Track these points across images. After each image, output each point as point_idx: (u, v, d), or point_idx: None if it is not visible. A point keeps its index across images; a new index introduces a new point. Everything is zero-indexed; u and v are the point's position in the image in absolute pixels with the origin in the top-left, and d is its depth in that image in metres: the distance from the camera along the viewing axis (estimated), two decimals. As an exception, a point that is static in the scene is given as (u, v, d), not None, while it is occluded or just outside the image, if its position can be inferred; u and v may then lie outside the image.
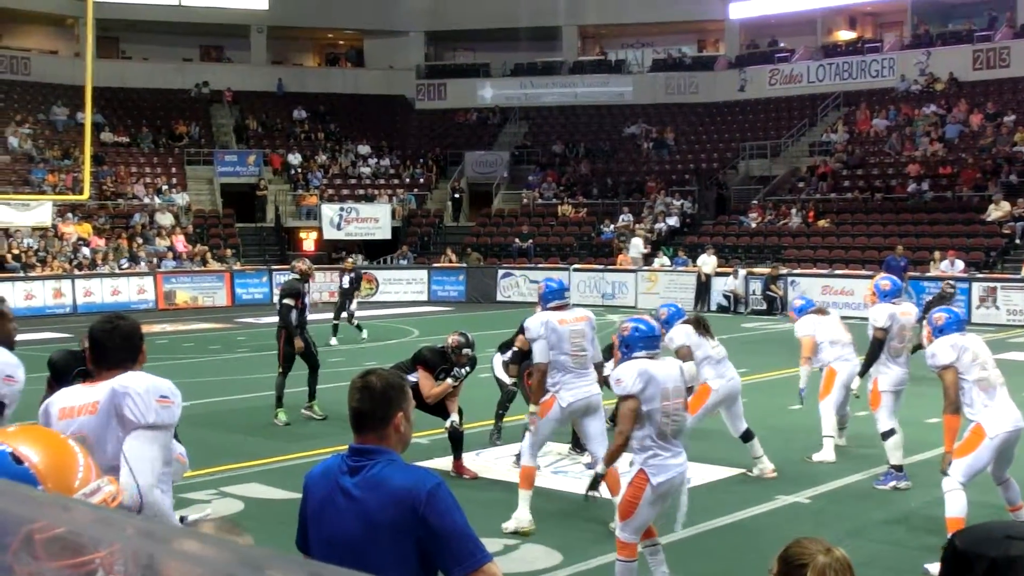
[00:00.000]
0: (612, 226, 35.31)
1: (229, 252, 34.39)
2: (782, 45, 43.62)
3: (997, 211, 29.65)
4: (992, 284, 26.32)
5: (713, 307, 29.47)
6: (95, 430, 4.11)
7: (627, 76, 45.47)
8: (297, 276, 14.32)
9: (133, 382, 4.15)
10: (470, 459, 10.78)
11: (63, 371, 8.62)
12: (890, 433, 10.12)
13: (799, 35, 43.15)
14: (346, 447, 3.67)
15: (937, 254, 27.85)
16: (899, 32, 42.01)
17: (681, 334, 10.25)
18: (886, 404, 10.22)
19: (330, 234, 36.52)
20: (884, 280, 10.74)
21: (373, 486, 3.54)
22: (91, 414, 4.15)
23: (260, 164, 39.41)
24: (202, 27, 44.63)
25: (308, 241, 38.09)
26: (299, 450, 11.38)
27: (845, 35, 44.01)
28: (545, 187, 39.37)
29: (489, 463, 11.13)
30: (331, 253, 36.97)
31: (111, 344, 4.32)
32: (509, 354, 11.58)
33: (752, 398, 12.91)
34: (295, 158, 40.35)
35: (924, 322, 9.06)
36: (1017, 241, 28.77)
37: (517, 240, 35.38)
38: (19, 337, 5.58)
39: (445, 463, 10.61)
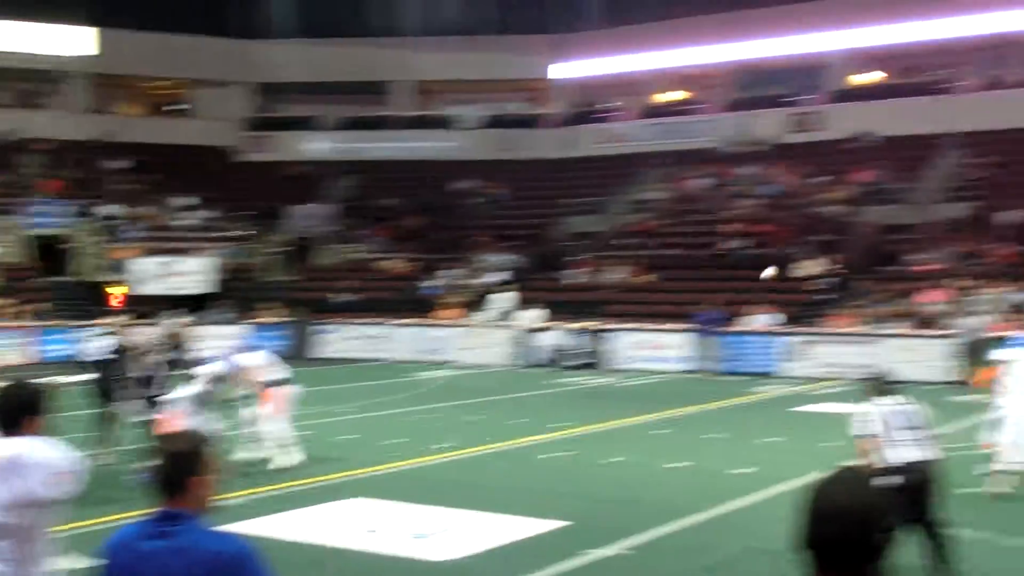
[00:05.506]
0: (434, 281, 35.30)
1: (50, 306, 32.59)
2: (608, 105, 44.54)
3: (802, 270, 30.87)
4: (806, 338, 27.27)
5: (535, 361, 29.57)
6: None
7: (457, 132, 45.74)
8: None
9: (40, 453, 4.40)
10: (274, 520, 10.30)
11: None
12: None
13: (625, 95, 44.14)
14: (143, 512, 3.56)
15: (753, 308, 28.80)
16: (720, 95, 43.40)
17: None
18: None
19: (144, 288, 34.93)
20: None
21: (181, 551, 3.44)
22: None
23: (73, 215, 37.86)
24: (17, 72, 42.94)
25: (117, 296, 36.24)
26: (94, 516, 10.69)
27: (668, 97, 45.27)
28: (373, 242, 39.04)
29: (292, 524, 10.70)
30: (145, 309, 35.41)
31: (5, 408, 4.55)
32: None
33: (578, 449, 12.84)
34: (111, 209, 38.90)
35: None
36: (834, 296, 29.75)
37: (330, 295, 34.98)
38: None
39: (259, 525, 10.15)
